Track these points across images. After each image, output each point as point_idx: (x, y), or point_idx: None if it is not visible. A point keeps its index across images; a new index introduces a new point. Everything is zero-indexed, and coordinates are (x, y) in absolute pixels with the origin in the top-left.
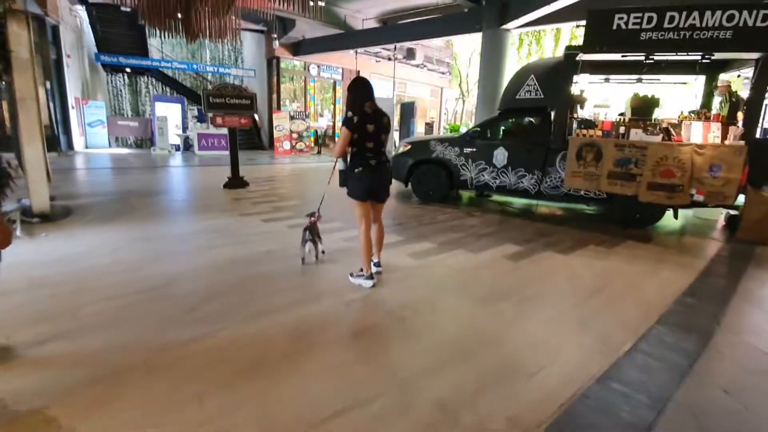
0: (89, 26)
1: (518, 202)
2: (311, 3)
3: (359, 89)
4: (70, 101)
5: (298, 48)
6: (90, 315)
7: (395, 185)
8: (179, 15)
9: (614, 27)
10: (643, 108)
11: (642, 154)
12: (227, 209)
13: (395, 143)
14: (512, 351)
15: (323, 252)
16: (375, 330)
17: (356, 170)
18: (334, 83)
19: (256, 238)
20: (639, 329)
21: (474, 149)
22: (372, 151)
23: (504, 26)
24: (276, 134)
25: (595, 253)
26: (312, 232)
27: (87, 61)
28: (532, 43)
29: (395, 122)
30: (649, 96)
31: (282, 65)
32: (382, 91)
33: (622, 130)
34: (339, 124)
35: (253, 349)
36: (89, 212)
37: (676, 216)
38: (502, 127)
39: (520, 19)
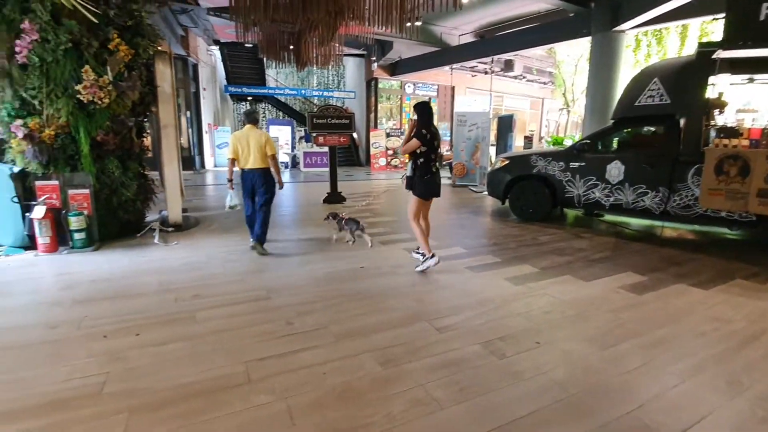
0: (221, 62)
1: (637, 223)
2: (408, 24)
3: (428, 113)
4: (204, 127)
5: (395, 68)
6: (204, 320)
7: (491, 201)
8: (291, 47)
9: (762, 18)
10: None
11: None
12: (325, 224)
13: (491, 159)
14: (640, 408)
15: (371, 241)
16: (469, 362)
17: (425, 177)
18: (429, 100)
19: (350, 254)
20: None
21: (583, 163)
22: (434, 161)
23: (617, 28)
24: (373, 151)
25: (744, 289)
26: (351, 222)
27: (218, 93)
28: (652, 44)
29: (492, 137)
30: None
31: (380, 85)
32: (477, 105)
33: None
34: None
35: (343, 372)
36: (212, 223)
37: None
38: (617, 139)
39: (636, 19)
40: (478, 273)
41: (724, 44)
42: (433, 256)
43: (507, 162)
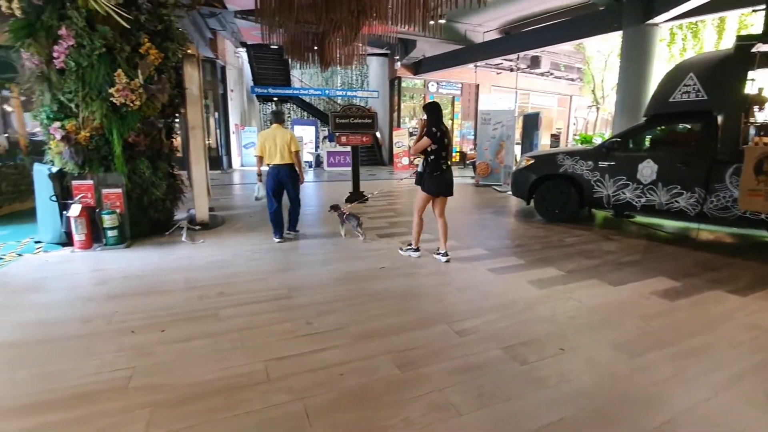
0: (248, 64)
1: (670, 225)
2: (432, 22)
3: (437, 113)
4: (231, 128)
5: (419, 67)
6: (227, 318)
7: (515, 201)
8: (315, 47)
9: None
10: None
11: None
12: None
13: (516, 158)
14: (669, 422)
15: (363, 235)
16: (490, 368)
17: (435, 173)
18: (453, 98)
19: (371, 253)
20: None
21: (612, 162)
22: (445, 159)
23: (650, 21)
24: (395, 150)
25: None
26: (351, 218)
27: (245, 94)
28: (687, 37)
29: (517, 135)
30: None
31: (403, 84)
32: (502, 103)
33: None
34: (457, 138)
35: (361, 373)
36: (237, 222)
37: None
38: (649, 137)
39: (671, 11)
40: (500, 275)
41: (764, 37)
42: (417, 250)
43: (532, 161)
